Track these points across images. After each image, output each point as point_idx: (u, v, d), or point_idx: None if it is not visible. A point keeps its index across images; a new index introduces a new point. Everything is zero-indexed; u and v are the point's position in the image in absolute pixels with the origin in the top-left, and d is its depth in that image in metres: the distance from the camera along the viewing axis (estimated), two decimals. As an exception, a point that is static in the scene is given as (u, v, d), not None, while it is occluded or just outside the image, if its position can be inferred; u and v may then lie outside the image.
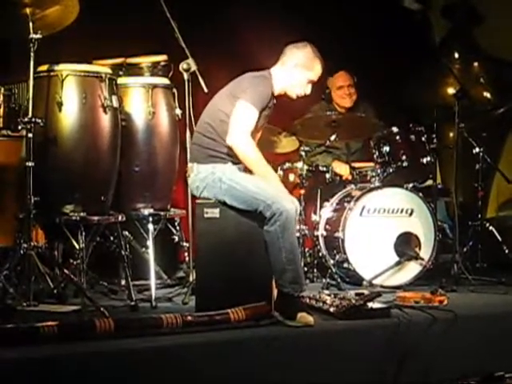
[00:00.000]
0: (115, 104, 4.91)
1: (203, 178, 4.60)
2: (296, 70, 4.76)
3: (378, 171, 6.00)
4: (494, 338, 4.64)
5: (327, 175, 6.24)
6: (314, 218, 6.12)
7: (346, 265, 5.75)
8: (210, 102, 4.78)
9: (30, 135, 4.54)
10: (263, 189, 4.45)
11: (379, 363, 4.27)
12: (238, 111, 4.54)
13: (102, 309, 4.40)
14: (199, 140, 4.70)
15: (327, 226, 6.01)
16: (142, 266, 5.33)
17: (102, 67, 5.06)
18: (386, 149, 6.00)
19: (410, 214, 5.78)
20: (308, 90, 4.85)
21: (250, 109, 4.52)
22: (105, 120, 4.86)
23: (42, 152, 4.65)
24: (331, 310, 4.54)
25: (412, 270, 5.74)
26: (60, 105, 4.74)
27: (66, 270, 4.70)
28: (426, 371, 4.39)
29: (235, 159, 4.58)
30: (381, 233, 5.73)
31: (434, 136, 6.05)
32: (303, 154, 6.11)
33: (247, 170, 4.62)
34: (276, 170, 6.04)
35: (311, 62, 4.78)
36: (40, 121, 4.58)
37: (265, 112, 4.66)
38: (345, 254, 5.68)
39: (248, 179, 4.54)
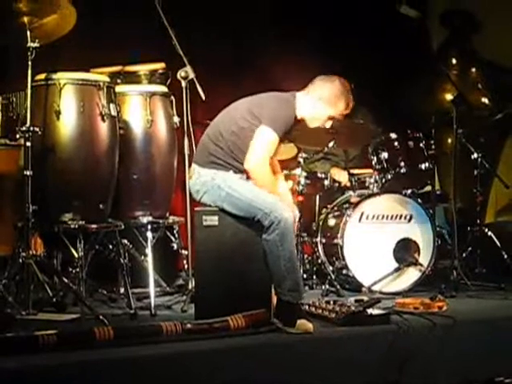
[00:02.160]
0: (113, 112, 4.92)
1: (204, 182, 4.59)
2: (319, 103, 4.70)
3: (377, 178, 6.01)
4: (493, 343, 4.63)
5: (326, 182, 6.24)
6: (313, 224, 6.12)
7: (345, 271, 5.75)
8: (227, 109, 4.74)
9: (28, 144, 4.54)
10: (262, 197, 4.45)
11: (379, 369, 4.27)
12: (259, 136, 4.49)
13: (101, 317, 4.40)
14: (206, 144, 4.67)
15: (326, 233, 6.01)
16: (141, 273, 5.33)
17: (100, 75, 5.07)
18: (385, 155, 6.00)
19: (409, 220, 5.79)
20: (328, 124, 4.81)
21: (272, 136, 4.48)
22: (103, 128, 4.86)
23: (40, 161, 4.65)
24: (331, 316, 4.54)
25: (411, 276, 5.74)
26: (58, 113, 4.75)
27: (64, 279, 4.70)
28: (425, 377, 4.38)
29: (238, 169, 4.57)
30: (380, 239, 5.73)
31: (432, 142, 6.06)
32: (301, 160, 6.12)
33: (248, 178, 4.61)
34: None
35: (336, 99, 4.71)
36: (38, 129, 4.59)
37: (286, 135, 4.65)
38: (344, 260, 5.68)
39: (247, 187, 4.53)
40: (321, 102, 4.71)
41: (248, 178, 4.59)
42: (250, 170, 4.52)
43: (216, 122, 4.74)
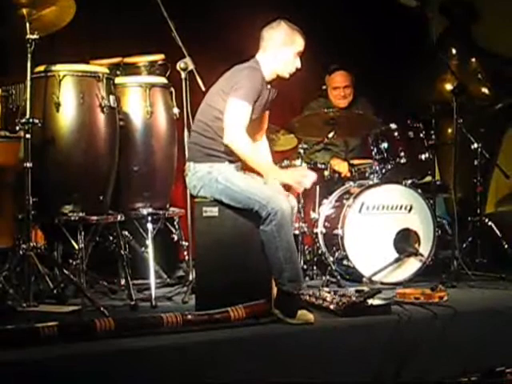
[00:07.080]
0: (113, 104, 4.91)
1: (200, 177, 4.58)
2: (279, 50, 4.67)
3: (377, 168, 6.01)
4: (494, 333, 4.64)
5: (326, 172, 6.22)
6: (313, 215, 6.12)
7: (345, 262, 5.75)
8: (203, 100, 4.74)
9: (28, 136, 4.54)
10: (258, 188, 4.44)
11: (380, 360, 4.27)
12: (229, 109, 4.48)
13: (101, 308, 4.41)
14: (197, 139, 4.67)
15: (326, 224, 6.01)
16: (141, 265, 5.33)
17: (100, 67, 5.07)
18: (385, 145, 6.00)
19: (409, 211, 5.78)
20: (298, 63, 4.74)
21: (242, 105, 4.46)
22: (102, 120, 4.86)
23: (40, 153, 4.66)
24: (331, 307, 4.55)
25: (412, 266, 5.74)
26: (58, 105, 4.75)
27: (65, 271, 4.70)
28: (426, 367, 4.39)
29: (233, 158, 4.56)
30: (380, 229, 5.73)
31: (432, 132, 6.07)
32: (302, 151, 6.11)
33: (245, 169, 4.61)
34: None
35: (290, 37, 4.68)
36: (38, 121, 4.58)
37: (259, 102, 4.59)
38: (344, 251, 5.68)
39: (244, 179, 4.53)
40: (280, 47, 4.67)
41: (242, 168, 4.59)
42: (229, 143, 4.48)
43: (197, 116, 4.74)
